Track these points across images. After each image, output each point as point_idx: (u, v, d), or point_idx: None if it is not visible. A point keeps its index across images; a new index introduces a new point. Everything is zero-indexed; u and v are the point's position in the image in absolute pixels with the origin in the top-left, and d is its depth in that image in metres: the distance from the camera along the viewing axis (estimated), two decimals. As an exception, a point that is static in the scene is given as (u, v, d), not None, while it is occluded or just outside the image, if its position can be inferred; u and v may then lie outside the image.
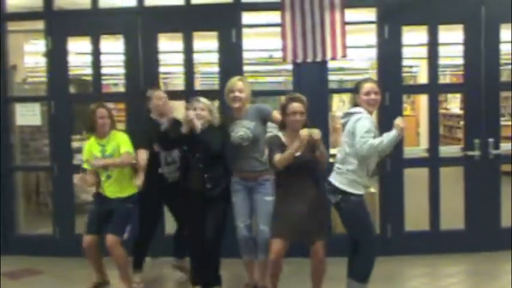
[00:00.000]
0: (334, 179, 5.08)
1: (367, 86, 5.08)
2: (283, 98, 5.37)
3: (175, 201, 6.08)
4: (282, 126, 5.27)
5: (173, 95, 6.73)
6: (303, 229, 5.05)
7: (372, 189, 6.64)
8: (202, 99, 5.69)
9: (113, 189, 5.94)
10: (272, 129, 5.79)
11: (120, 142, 5.91)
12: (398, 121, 4.85)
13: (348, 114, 5.14)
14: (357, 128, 4.92)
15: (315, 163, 5.13)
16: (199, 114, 5.56)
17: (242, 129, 5.63)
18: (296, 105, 5.12)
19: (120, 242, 5.85)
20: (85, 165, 5.97)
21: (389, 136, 4.81)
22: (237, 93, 5.63)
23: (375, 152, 4.90)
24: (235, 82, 5.71)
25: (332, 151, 6.77)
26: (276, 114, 5.65)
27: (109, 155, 5.89)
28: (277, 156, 5.05)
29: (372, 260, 5.08)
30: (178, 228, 6.35)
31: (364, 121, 4.92)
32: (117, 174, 5.91)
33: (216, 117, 5.73)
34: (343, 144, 5.09)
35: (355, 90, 5.20)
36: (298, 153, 4.99)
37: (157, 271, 6.61)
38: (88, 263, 6.07)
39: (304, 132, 4.91)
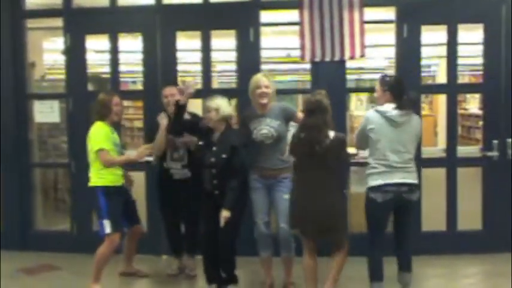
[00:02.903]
0: (412, 179, 5.15)
1: None
2: (301, 97, 5.41)
3: (179, 198, 6.18)
4: None
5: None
6: (325, 225, 5.11)
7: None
8: (211, 100, 5.64)
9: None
10: (292, 128, 5.83)
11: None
12: None
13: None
14: None
15: (337, 161, 5.16)
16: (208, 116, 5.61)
17: (266, 127, 5.65)
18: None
19: None
20: (111, 150, 5.89)
21: None
22: (264, 89, 5.65)
23: None
24: (261, 78, 5.73)
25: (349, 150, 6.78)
26: (300, 114, 5.69)
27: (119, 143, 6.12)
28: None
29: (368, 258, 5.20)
30: (176, 225, 6.44)
31: None
32: None
33: (226, 114, 5.64)
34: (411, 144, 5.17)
35: None
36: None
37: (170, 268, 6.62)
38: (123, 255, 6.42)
39: None
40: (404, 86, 5.28)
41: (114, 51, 7.17)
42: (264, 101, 5.64)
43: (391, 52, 7.12)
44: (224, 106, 5.60)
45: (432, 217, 6.95)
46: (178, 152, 6.11)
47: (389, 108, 5.08)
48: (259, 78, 5.72)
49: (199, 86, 7.07)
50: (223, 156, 5.49)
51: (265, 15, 7.04)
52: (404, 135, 5.09)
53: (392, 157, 5.04)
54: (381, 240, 5.16)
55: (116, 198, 5.88)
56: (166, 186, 6.24)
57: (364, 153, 5.46)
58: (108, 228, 5.79)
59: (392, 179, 5.03)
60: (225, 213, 5.41)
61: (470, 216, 6.98)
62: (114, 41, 7.15)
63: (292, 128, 5.66)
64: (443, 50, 7.07)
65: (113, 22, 7.11)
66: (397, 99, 5.12)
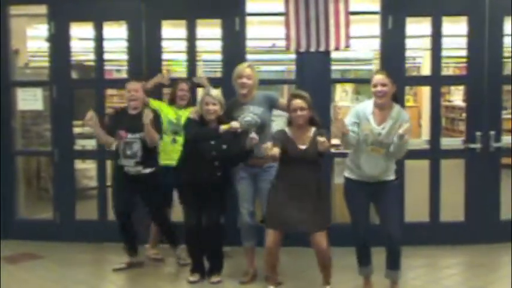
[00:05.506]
0: None
1: (375, 78, 5.15)
2: (286, 87, 5.43)
3: (135, 194, 6.12)
4: (289, 122, 5.34)
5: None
6: (300, 221, 5.11)
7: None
8: (213, 93, 5.69)
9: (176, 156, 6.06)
10: (278, 117, 5.84)
11: None
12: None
13: None
14: None
15: (318, 157, 5.20)
16: (210, 109, 5.60)
17: (249, 115, 5.68)
18: (297, 102, 5.23)
19: None
20: None
21: None
22: (244, 80, 5.68)
23: None
24: (244, 69, 5.75)
25: (333, 141, 6.81)
26: (283, 101, 5.71)
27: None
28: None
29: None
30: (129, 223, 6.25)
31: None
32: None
33: (223, 108, 5.72)
34: None
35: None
36: (303, 147, 5.17)
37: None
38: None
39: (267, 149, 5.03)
40: None
41: (99, 39, 7.12)
42: (244, 91, 5.70)
43: (376, 44, 7.13)
44: (222, 99, 5.73)
45: (415, 208, 6.99)
46: (131, 148, 5.98)
47: None
48: (243, 68, 5.76)
49: (184, 75, 7.07)
50: (224, 147, 5.57)
51: (251, 5, 7.01)
52: None
53: None
54: None
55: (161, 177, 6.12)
56: (122, 183, 6.10)
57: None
58: None
59: None
60: None
61: (453, 207, 7.03)
62: (98, 29, 7.10)
63: (280, 117, 5.68)
64: (427, 42, 7.10)
65: (98, 10, 7.04)
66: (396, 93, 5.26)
